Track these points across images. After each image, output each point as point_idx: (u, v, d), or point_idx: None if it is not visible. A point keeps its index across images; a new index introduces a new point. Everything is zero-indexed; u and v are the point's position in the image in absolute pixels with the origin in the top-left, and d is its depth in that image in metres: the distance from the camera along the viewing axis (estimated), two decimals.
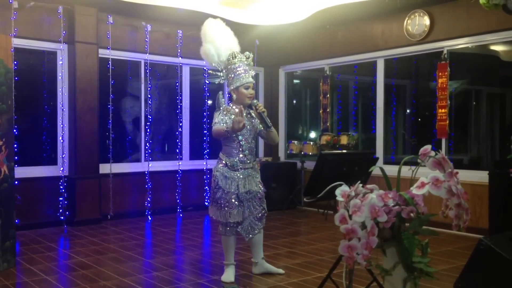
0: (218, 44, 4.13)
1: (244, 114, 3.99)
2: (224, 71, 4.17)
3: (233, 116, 3.94)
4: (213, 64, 4.20)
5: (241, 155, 4.06)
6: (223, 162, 4.08)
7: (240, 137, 4.05)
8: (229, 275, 4.13)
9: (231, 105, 4.12)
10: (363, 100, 8.57)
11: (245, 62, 4.14)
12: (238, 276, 4.28)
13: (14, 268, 4.49)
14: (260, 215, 4.16)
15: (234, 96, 4.11)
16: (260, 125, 4.17)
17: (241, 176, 4.05)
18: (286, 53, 8.50)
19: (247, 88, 4.07)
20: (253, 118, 4.17)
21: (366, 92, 8.16)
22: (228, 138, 4.04)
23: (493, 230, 5.29)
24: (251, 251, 4.33)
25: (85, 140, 6.62)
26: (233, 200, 4.02)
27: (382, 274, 2.33)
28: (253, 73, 4.18)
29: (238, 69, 4.08)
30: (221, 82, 4.24)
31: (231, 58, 4.11)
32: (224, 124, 3.94)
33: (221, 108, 4.07)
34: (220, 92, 4.18)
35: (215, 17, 6.61)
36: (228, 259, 4.19)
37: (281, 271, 4.34)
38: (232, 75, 4.09)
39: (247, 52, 4.21)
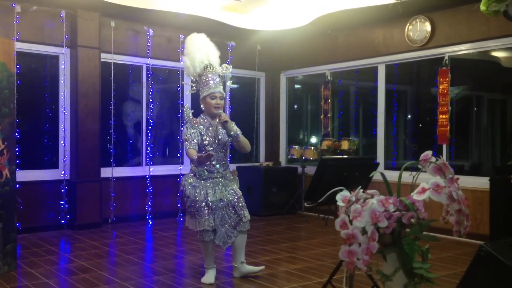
0: (192, 57, 4.29)
1: (214, 125, 4.20)
2: (197, 82, 4.33)
3: (201, 127, 4.15)
4: (189, 76, 4.37)
5: (209, 165, 4.16)
6: (193, 172, 4.20)
7: (208, 147, 4.16)
8: (209, 276, 4.23)
9: (202, 115, 4.27)
10: (364, 106, 8.58)
11: (218, 73, 4.30)
12: (239, 281, 4.28)
13: (15, 271, 4.49)
14: (234, 223, 4.21)
15: (202, 106, 4.27)
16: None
17: (209, 185, 4.15)
18: (287, 58, 8.52)
19: (213, 98, 4.19)
20: (222, 129, 4.24)
21: (367, 97, 8.17)
22: (198, 148, 4.14)
23: (494, 236, 5.29)
24: (233, 254, 4.37)
25: (86, 144, 6.63)
26: (202, 209, 4.11)
27: (382, 279, 2.33)
28: (230, 84, 4.42)
29: (208, 80, 4.23)
30: (192, 92, 4.39)
31: (204, 70, 4.27)
32: (195, 152, 4.05)
33: (188, 121, 4.19)
34: (187, 105, 4.32)
35: (217, 22, 6.71)
36: (207, 264, 4.29)
37: (259, 268, 4.35)
38: (202, 86, 4.25)
39: (225, 64, 4.38)
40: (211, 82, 4.21)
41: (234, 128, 4.20)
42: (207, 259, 4.28)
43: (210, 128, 4.20)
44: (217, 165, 4.19)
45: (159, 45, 7.40)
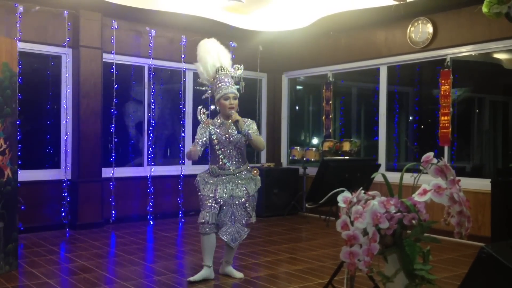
0: (204, 61, 4.40)
1: (226, 124, 4.29)
2: (211, 86, 4.43)
3: (211, 127, 4.27)
4: (204, 81, 4.47)
5: (220, 163, 4.29)
6: (208, 169, 4.34)
7: (217, 147, 4.28)
8: (198, 275, 4.23)
9: (218, 116, 4.38)
10: (365, 107, 8.58)
11: (230, 74, 4.38)
12: (240, 282, 4.28)
13: (16, 271, 4.50)
14: (244, 221, 4.28)
15: (218, 108, 4.36)
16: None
17: (220, 182, 4.25)
18: (289, 59, 8.52)
19: (226, 99, 4.28)
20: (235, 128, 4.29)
21: (368, 98, 8.17)
22: (211, 147, 4.29)
23: (495, 238, 5.28)
24: (224, 251, 4.45)
25: (88, 144, 6.64)
26: (207, 203, 4.20)
27: (383, 281, 2.33)
28: (243, 84, 4.51)
29: (220, 82, 4.32)
30: (207, 96, 4.48)
31: (216, 72, 4.35)
32: (192, 147, 4.20)
33: (201, 122, 4.31)
34: (200, 107, 4.40)
35: (218, 22, 6.71)
36: (204, 260, 4.30)
37: (241, 275, 4.39)
38: (215, 88, 4.34)
39: (236, 65, 4.47)
40: (223, 83, 4.30)
41: (247, 128, 4.24)
42: (204, 255, 4.29)
43: (222, 127, 4.29)
44: (227, 163, 4.27)
45: (161, 46, 7.41)
